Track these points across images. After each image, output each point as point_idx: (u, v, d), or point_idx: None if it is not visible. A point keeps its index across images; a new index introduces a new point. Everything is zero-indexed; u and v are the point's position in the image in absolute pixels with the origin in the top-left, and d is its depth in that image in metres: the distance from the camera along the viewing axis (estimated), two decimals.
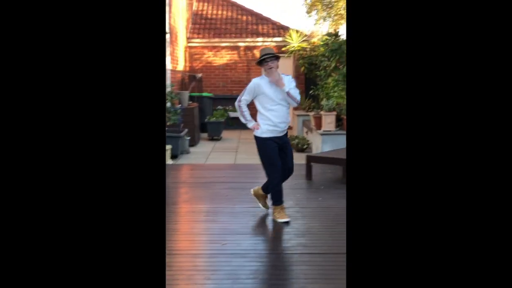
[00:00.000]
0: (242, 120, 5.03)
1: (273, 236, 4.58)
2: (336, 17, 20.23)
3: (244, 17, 16.27)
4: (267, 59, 4.79)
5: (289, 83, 4.89)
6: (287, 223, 4.86)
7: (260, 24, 15.92)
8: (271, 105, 4.87)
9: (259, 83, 4.88)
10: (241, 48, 15.26)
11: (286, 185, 6.79)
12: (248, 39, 15.15)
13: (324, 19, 20.47)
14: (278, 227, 4.84)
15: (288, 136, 5.20)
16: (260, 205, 5.35)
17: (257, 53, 15.22)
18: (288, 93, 4.86)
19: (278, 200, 4.99)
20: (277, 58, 4.82)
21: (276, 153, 4.92)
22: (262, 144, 4.92)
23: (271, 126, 4.89)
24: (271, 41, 15.04)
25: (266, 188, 5.13)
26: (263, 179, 7.52)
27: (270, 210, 5.38)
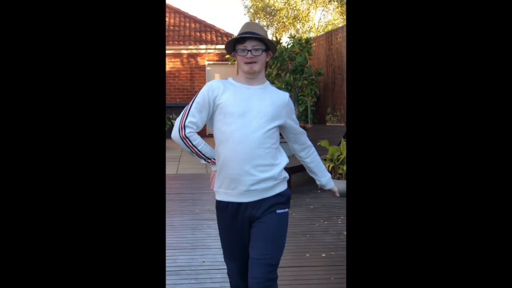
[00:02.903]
0: (201, 160, 2.53)
1: (211, 251, 4.42)
2: (278, 25, 20.43)
3: (188, 24, 16.08)
4: (247, 42, 2.39)
5: (282, 107, 2.48)
6: None
7: (203, 31, 15.78)
8: (224, 133, 2.41)
9: (217, 86, 2.43)
10: (184, 56, 15.05)
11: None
12: (191, 47, 14.96)
13: (268, 27, 20.64)
14: (217, 241, 4.68)
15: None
16: None
17: (201, 61, 15.04)
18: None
19: None
20: (266, 48, 2.43)
21: (233, 236, 2.51)
22: (217, 214, 2.56)
23: (221, 177, 2.45)
24: (215, 49, 14.91)
25: None
26: (204, 189, 7.33)
27: (210, 222, 5.22)
